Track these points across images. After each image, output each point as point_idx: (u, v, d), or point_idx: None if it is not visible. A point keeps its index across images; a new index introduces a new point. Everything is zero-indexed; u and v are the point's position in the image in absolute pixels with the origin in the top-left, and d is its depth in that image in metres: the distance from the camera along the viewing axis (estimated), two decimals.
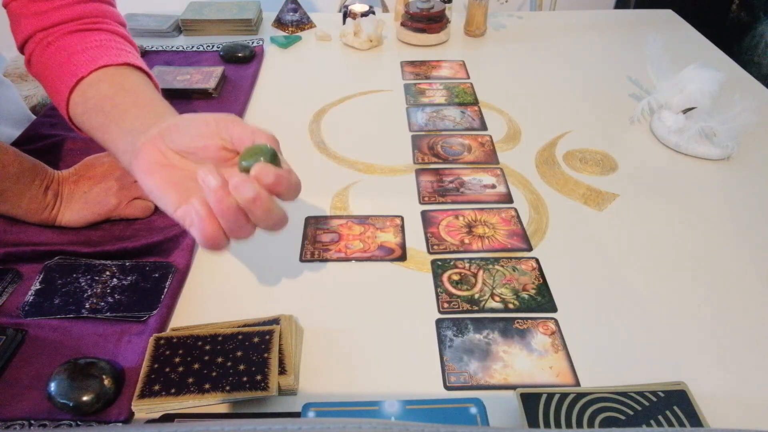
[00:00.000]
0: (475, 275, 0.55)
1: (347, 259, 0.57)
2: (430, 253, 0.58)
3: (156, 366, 0.44)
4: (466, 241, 0.59)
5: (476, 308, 0.52)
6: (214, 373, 0.43)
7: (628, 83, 0.90)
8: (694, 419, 0.40)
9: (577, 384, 0.45)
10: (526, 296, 0.53)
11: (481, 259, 0.57)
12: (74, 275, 0.53)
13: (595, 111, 0.83)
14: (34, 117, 0.83)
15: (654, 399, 0.41)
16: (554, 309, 0.52)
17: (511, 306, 0.52)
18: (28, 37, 0.56)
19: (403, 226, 0.61)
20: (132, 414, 0.42)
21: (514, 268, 0.56)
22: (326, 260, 0.57)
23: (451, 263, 0.57)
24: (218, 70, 0.88)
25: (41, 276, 0.53)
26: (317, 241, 0.59)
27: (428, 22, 1.01)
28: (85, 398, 0.41)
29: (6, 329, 0.48)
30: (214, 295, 0.53)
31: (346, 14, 1.06)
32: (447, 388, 0.45)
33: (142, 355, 0.45)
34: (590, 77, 0.93)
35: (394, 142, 0.76)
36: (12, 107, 0.80)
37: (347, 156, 0.73)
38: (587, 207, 0.65)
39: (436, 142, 0.76)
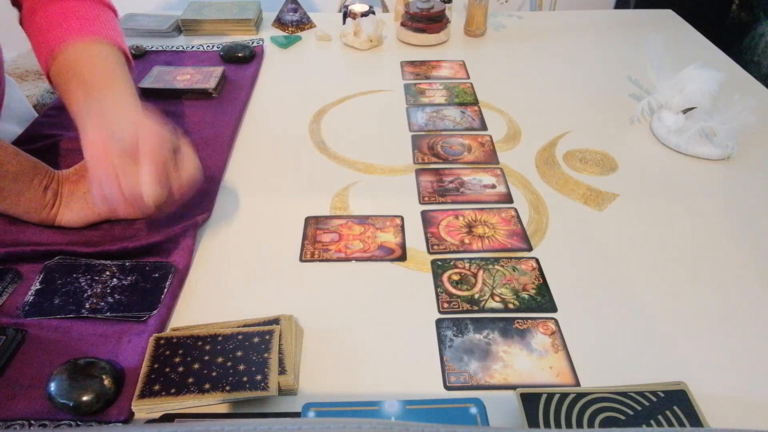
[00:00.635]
0: (475, 275, 0.55)
1: (347, 259, 0.57)
2: (430, 253, 0.58)
3: (156, 366, 0.44)
4: (466, 241, 0.59)
5: (476, 308, 0.52)
6: (214, 373, 0.43)
7: (628, 83, 0.90)
8: (694, 419, 0.40)
9: (577, 384, 0.45)
10: (526, 296, 0.53)
11: (481, 259, 0.57)
12: (74, 275, 0.53)
13: (595, 111, 0.83)
14: (36, 114, 0.83)
15: (654, 399, 0.41)
16: (554, 309, 0.52)
17: (511, 306, 0.52)
18: None
19: (403, 226, 0.61)
20: (132, 414, 0.42)
21: (514, 268, 0.56)
22: (326, 260, 0.57)
23: (451, 263, 0.57)
24: (218, 70, 0.88)
25: (41, 276, 0.53)
26: (317, 241, 0.59)
27: (428, 22, 1.01)
28: (85, 398, 0.41)
29: (6, 329, 0.48)
30: (214, 295, 0.53)
31: (346, 14, 1.06)
32: (447, 388, 0.45)
33: (142, 355, 0.45)
34: (590, 77, 0.93)
35: (394, 142, 0.76)
36: (17, 105, 0.81)
37: (347, 156, 0.73)
38: (587, 207, 0.65)
39: (436, 142, 0.76)
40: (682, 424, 0.39)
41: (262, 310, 0.51)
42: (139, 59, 0.95)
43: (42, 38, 0.61)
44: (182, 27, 1.05)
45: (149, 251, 0.57)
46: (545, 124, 0.79)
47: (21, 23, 0.65)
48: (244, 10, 1.08)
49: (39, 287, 0.52)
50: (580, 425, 0.39)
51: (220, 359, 0.44)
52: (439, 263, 0.57)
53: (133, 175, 0.50)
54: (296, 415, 0.43)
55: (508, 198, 0.66)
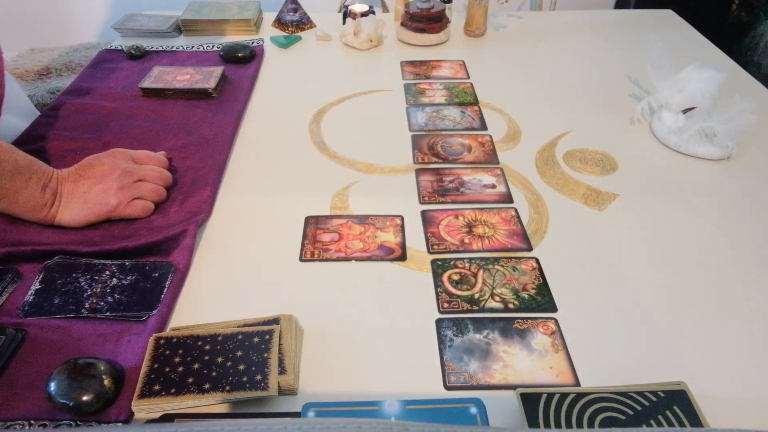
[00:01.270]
0: (475, 275, 0.55)
1: (347, 259, 0.57)
2: (430, 252, 0.58)
3: (156, 366, 0.44)
4: (466, 240, 0.59)
5: (476, 308, 0.52)
6: (214, 373, 0.43)
7: (628, 83, 0.90)
8: (694, 419, 0.40)
9: (577, 384, 0.45)
10: (526, 296, 0.53)
11: (481, 258, 0.57)
12: (74, 275, 0.53)
13: (595, 111, 0.83)
14: (37, 111, 0.84)
15: (654, 399, 0.41)
16: (554, 309, 0.52)
17: (511, 306, 0.52)
18: None
19: (403, 226, 0.61)
20: (132, 414, 0.42)
21: (514, 268, 0.56)
22: (326, 260, 0.57)
23: (451, 263, 0.57)
24: (218, 70, 0.88)
25: (41, 276, 0.53)
26: (317, 241, 0.59)
27: (428, 22, 1.01)
28: (84, 398, 0.41)
29: (6, 329, 0.48)
30: (214, 295, 0.53)
31: (346, 14, 1.06)
32: (447, 388, 0.45)
33: (141, 355, 0.45)
34: (590, 77, 0.93)
35: (394, 142, 0.76)
36: (18, 100, 0.81)
37: (347, 156, 0.73)
38: (587, 207, 0.64)
39: (436, 141, 0.76)
40: (682, 424, 0.39)
41: (262, 309, 0.51)
42: (139, 59, 0.96)
43: None
44: (182, 27, 1.05)
45: (149, 251, 0.57)
46: (545, 124, 0.79)
47: None
48: (244, 10, 1.08)
49: (39, 287, 0.52)
50: (580, 425, 0.39)
51: (220, 359, 0.44)
52: (439, 263, 0.57)
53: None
54: (296, 415, 0.43)
55: (508, 198, 0.66)
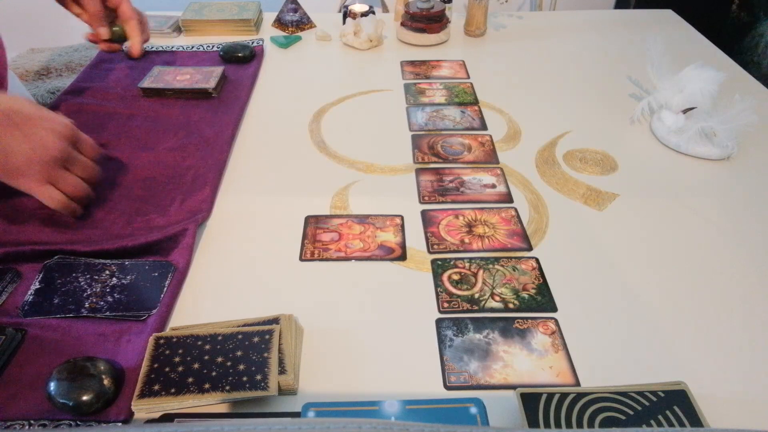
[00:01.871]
0: (475, 275, 0.55)
1: (347, 259, 0.57)
2: (430, 252, 0.58)
3: (156, 366, 0.44)
4: (466, 240, 0.59)
5: (476, 308, 0.52)
6: (213, 373, 0.43)
7: (628, 83, 0.90)
8: (694, 419, 0.40)
9: (577, 384, 0.45)
10: (526, 296, 0.53)
11: (481, 258, 0.57)
12: (74, 274, 0.53)
13: (595, 111, 0.83)
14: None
15: (654, 399, 0.41)
16: (554, 309, 0.52)
17: (511, 306, 0.52)
18: None
19: (403, 226, 0.61)
20: (132, 414, 0.42)
21: (514, 268, 0.56)
22: (326, 259, 0.57)
23: (451, 263, 0.57)
24: (218, 70, 0.88)
25: (41, 275, 0.53)
26: (317, 241, 0.59)
27: (428, 22, 1.01)
28: (84, 398, 0.41)
29: (5, 329, 0.48)
30: (214, 295, 0.53)
31: (346, 14, 1.06)
32: (447, 387, 0.45)
33: (141, 355, 0.45)
34: (590, 77, 0.93)
35: (394, 142, 0.76)
36: (20, 95, 0.81)
37: (347, 155, 0.73)
38: (587, 207, 0.64)
39: (436, 141, 0.76)
40: (682, 424, 0.39)
41: (262, 309, 0.51)
42: (139, 59, 0.95)
43: None
44: (182, 27, 1.05)
45: (149, 250, 0.57)
46: (545, 124, 0.79)
47: None
48: (244, 10, 1.08)
49: (38, 287, 0.52)
50: (580, 425, 0.39)
51: (219, 359, 0.44)
52: (439, 263, 0.57)
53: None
54: (296, 415, 0.43)
55: (508, 198, 0.66)
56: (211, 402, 0.42)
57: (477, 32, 1.06)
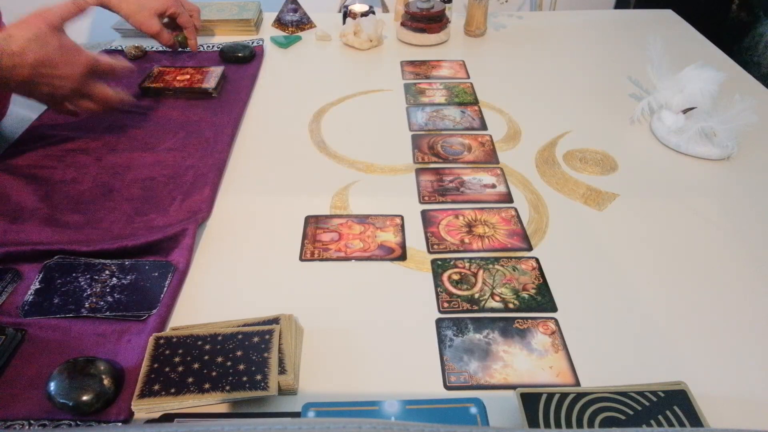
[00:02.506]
0: (475, 275, 0.55)
1: (347, 259, 0.57)
2: (430, 252, 0.58)
3: (156, 366, 0.44)
4: (466, 240, 0.59)
5: (476, 308, 0.52)
6: (213, 373, 0.43)
7: (628, 83, 0.90)
8: (694, 419, 0.40)
9: (577, 384, 0.45)
10: (526, 296, 0.53)
11: (481, 258, 0.57)
12: (74, 274, 0.53)
13: (595, 111, 0.83)
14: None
15: (654, 399, 0.41)
16: (554, 309, 0.52)
17: (511, 306, 0.52)
18: None
19: (403, 226, 0.61)
20: (132, 414, 0.42)
21: (514, 268, 0.56)
22: (326, 259, 0.57)
23: (451, 263, 0.57)
24: (218, 70, 0.88)
25: (41, 275, 0.53)
26: (317, 241, 0.59)
27: (428, 22, 1.01)
28: (84, 398, 0.41)
29: (6, 329, 0.48)
30: (213, 295, 0.53)
31: (346, 14, 1.06)
32: (447, 387, 0.45)
33: (141, 355, 0.45)
34: (590, 77, 0.93)
35: (394, 142, 0.76)
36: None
37: (347, 155, 0.73)
38: (587, 207, 0.64)
39: (436, 141, 0.76)
40: (682, 424, 0.39)
41: (262, 309, 0.50)
42: (139, 59, 0.95)
43: None
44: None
45: (149, 250, 0.57)
46: (545, 124, 0.79)
47: None
48: (244, 10, 1.08)
49: (38, 287, 0.52)
50: (580, 425, 0.39)
51: (219, 359, 0.44)
52: (439, 263, 0.57)
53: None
54: (296, 415, 0.43)
55: (508, 198, 0.66)
56: (211, 402, 0.42)
57: (477, 32, 1.06)
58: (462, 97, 0.86)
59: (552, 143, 0.76)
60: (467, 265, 0.56)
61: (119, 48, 0.98)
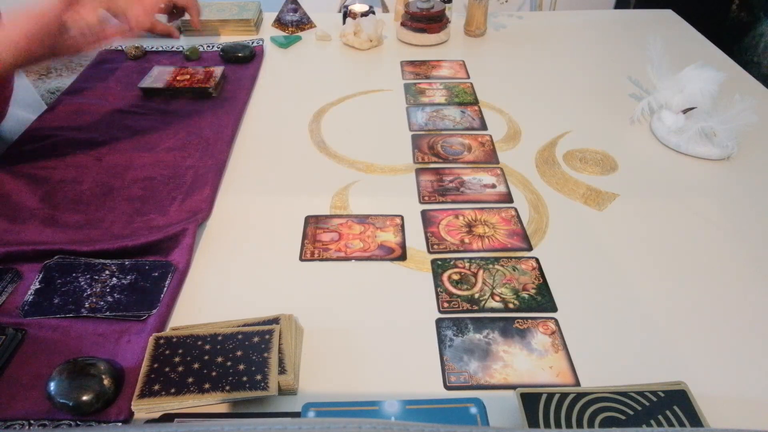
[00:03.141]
0: (475, 275, 0.55)
1: (347, 259, 0.57)
2: (430, 252, 0.58)
3: (156, 366, 0.44)
4: (466, 240, 0.59)
5: (476, 308, 0.52)
6: (213, 373, 0.43)
7: (628, 83, 0.90)
8: (694, 419, 0.40)
9: (577, 384, 0.45)
10: (526, 296, 0.53)
11: (481, 258, 0.57)
12: (74, 274, 0.53)
13: (595, 111, 0.83)
14: (44, 103, 0.84)
15: (654, 399, 0.41)
16: (554, 309, 0.52)
17: (511, 306, 0.52)
18: None
19: (403, 226, 0.61)
20: (132, 414, 0.42)
21: (514, 268, 0.56)
22: (326, 259, 0.57)
23: (451, 263, 0.57)
24: (218, 70, 0.88)
25: (41, 275, 0.53)
26: (317, 241, 0.59)
27: (428, 22, 1.01)
28: (84, 398, 0.41)
29: (6, 329, 0.48)
30: (213, 295, 0.53)
31: (346, 14, 1.06)
32: (447, 387, 0.45)
33: (141, 355, 0.45)
34: (590, 77, 0.93)
35: (394, 142, 0.76)
36: (25, 93, 0.83)
37: (347, 155, 0.73)
38: (587, 207, 0.64)
39: (436, 141, 0.76)
40: (682, 424, 0.39)
41: (262, 309, 0.51)
42: (139, 59, 0.95)
43: None
44: (182, 27, 1.05)
45: (149, 250, 0.57)
46: (545, 124, 0.79)
47: None
48: (244, 10, 1.08)
49: (38, 287, 0.52)
50: (580, 425, 0.39)
51: (219, 359, 0.44)
52: (439, 263, 0.57)
53: None
54: (296, 415, 0.43)
55: (508, 198, 0.66)
56: (211, 402, 0.42)
57: (477, 32, 1.06)
58: (462, 97, 0.86)
59: (552, 143, 0.76)
60: (467, 265, 0.56)
61: (119, 48, 0.98)
